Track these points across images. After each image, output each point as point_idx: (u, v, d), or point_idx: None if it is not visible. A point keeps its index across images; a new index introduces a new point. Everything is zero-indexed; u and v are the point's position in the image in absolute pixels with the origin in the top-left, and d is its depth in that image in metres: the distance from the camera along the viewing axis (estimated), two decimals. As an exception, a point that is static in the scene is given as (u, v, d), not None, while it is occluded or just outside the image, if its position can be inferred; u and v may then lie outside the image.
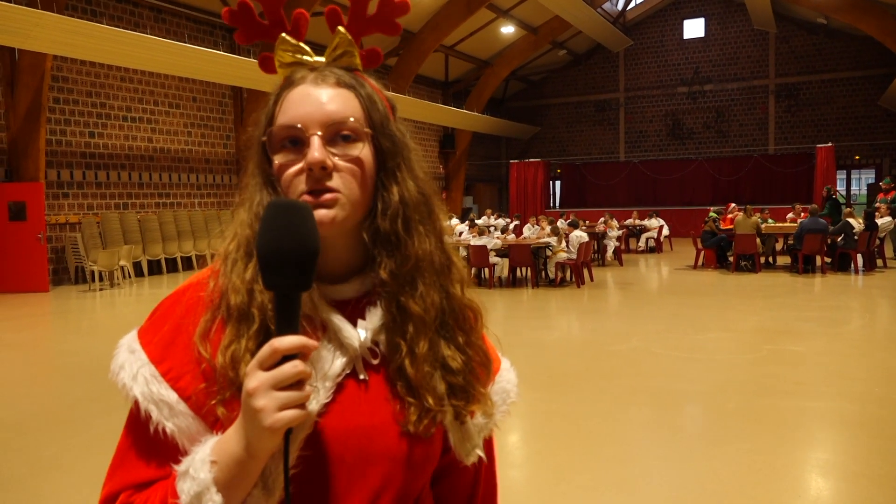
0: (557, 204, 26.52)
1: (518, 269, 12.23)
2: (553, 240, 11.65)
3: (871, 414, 4.66)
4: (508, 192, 25.23)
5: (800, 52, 23.71)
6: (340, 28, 0.90)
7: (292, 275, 0.73)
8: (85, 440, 4.40)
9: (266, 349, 0.71)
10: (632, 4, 24.93)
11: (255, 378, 0.71)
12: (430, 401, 0.85)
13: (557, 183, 27.21)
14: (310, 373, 0.72)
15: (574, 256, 11.51)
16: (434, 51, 19.65)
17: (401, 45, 18.84)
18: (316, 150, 0.81)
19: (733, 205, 15.99)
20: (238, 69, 13.64)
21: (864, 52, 22.46)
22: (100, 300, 10.86)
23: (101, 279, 12.01)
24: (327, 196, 0.81)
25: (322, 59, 0.89)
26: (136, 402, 0.82)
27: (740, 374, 5.73)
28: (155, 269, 14.09)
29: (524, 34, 22.28)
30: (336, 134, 0.83)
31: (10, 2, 10.00)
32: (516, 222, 17.55)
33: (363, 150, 0.84)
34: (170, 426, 0.80)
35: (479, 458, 0.94)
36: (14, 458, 4.11)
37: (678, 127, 25.49)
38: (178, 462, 0.79)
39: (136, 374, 0.83)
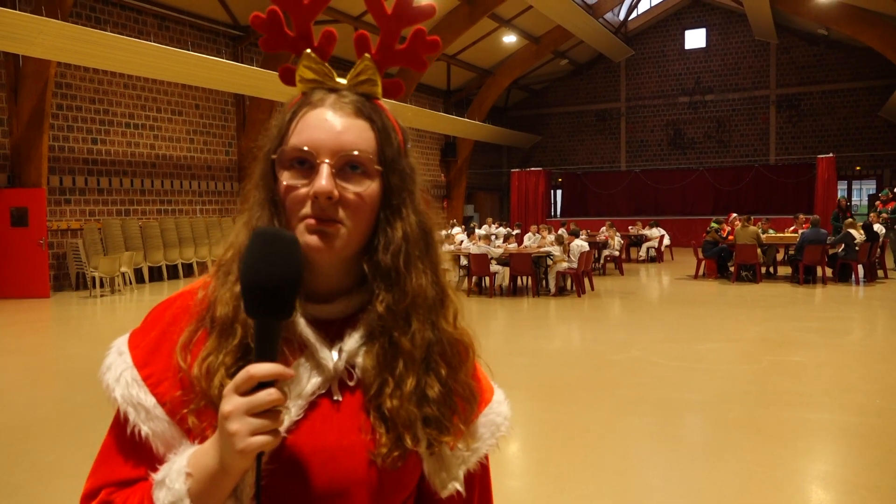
0: (558, 213, 26.55)
1: (519, 278, 12.23)
2: (556, 249, 11.65)
3: (872, 425, 4.65)
4: (510, 201, 25.28)
5: (801, 62, 23.78)
6: (367, 55, 0.90)
7: (272, 304, 0.74)
8: (86, 446, 4.39)
9: (242, 375, 0.73)
10: (633, 14, 25.03)
11: (230, 402, 0.73)
12: (409, 440, 0.84)
13: (559, 192, 27.25)
14: (283, 400, 0.74)
15: (575, 265, 11.52)
16: (436, 59, 19.72)
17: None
18: (324, 178, 0.81)
19: (734, 215, 16.00)
20: (240, 77, 13.70)
21: (865, 64, 22.52)
22: (100, 306, 10.86)
23: (101, 285, 12.02)
24: (330, 225, 0.82)
25: (344, 80, 0.89)
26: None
27: (741, 385, 5.72)
28: (156, 275, 14.11)
29: (526, 43, 22.37)
30: (346, 165, 0.83)
31: (15, 9, 10.06)
32: (517, 231, 17.57)
33: (370, 187, 0.84)
34: (145, 429, 0.82)
35: (462, 492, 0.91)
36: (15, 464, 4.11)
37: (679, 137, 25.55)
38: (156, 464, 0.82)
39: (119, 376, 0.85)
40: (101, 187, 13.38)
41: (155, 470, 0.81)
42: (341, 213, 0.82)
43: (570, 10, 18.60)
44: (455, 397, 0.90)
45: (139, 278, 13.53)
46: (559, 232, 13.71)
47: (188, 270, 14.71)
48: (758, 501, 3.52)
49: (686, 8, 25.21)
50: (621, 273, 14.83)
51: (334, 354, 0.86)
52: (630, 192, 25.57)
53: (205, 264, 15.03)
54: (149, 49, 11.66)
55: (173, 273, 14.46)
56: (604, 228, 16.25)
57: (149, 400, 0.83)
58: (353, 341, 0.87)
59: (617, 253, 15.29)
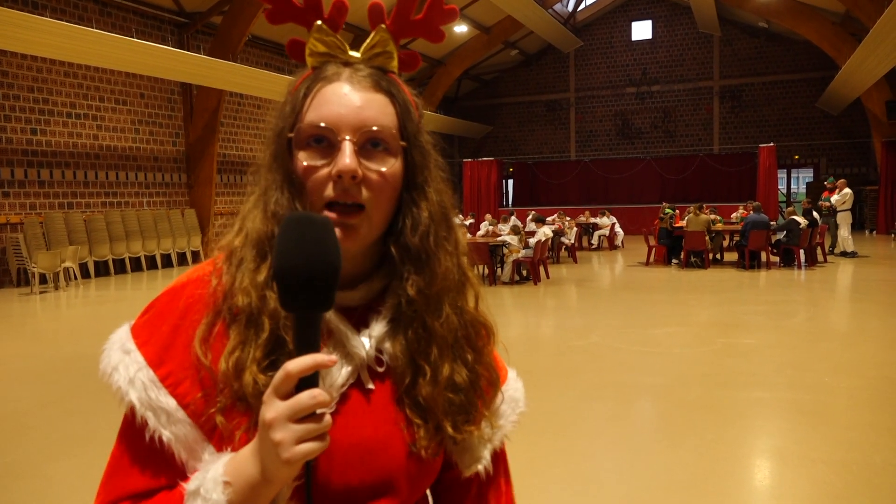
0: (510, 202, 26.77)
1: (475, 268, 12.27)
2: (514, 238, 11.73)
3: (823, 403, 4.86)
4: (462, 191, 25.35)
5: (742, 54, 24.49)
6: (382, 26, 0.86)
7: (316, 296, 0.69)
8: (46, 448, 4.24)
9: (280, 374, 0.67)
10: (582, 6, 25.32)
11: (272, 408, 0.67)
12: (449, 428, 0.83)
13: (510, 182, 27.46)
14: (329, 401, 0.68)
15: (531, 254, 11.64)
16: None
17: (354, 42, 18.71)
18: (347, 156, 0.77)
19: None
20: (187, 65, 13.34)
21: (803, 56, 23.35)
22: (40, 303, 10.47)
23: (44, 281, 11.59)
24: (351, 216, 0.78)
25: (357, 54, 0.85)
26: (132, 408, 0.78)
27: (698, 367, 5.89)
28: (102, 270, 13.67)
29: (477, 34, 22.42)
30: (368, 142, 0.79)
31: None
32: (470, 221, 17.63)
33: (394, 165, 0.81)
34: (167, 434, 0.77)
35: (488, 470, 0.92)
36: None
37: (627, 126, 26.03)
38: (176, 472, 0.77)
39: (132, 377, 0.78)
40: (42, 179, 12.87)
41: (173, 479, 0.77)
42: (365, 194, 0.78)
43: (521, 0, 18.70)
44: (481, 381, 0.88)
45: (85, 273, 13.09)
46: (512, 221, 13.83)
47: (136, 264, 14.29)
48: (721, 478, 3.65)
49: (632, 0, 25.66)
50: (575, 261, 15.06)
51: (365, 341, 0.82)
52: (580, 181, 25.97)
53: (154, 258, 14.68)
54: (90, 35, 11.23)
55: (120, 267, 14.03)
56: (554, 217, 16.46)
57: (170, 403, 0.77)
58: (380, 327, 0.84)
59: (571, 241, 15.53)
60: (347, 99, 0.80)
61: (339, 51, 0.84)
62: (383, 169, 0.79)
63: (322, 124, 0.78)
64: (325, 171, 0.78)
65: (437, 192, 0.87)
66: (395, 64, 0.86)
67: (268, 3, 0.86)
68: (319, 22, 0.84)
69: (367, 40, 0.86)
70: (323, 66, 0.83)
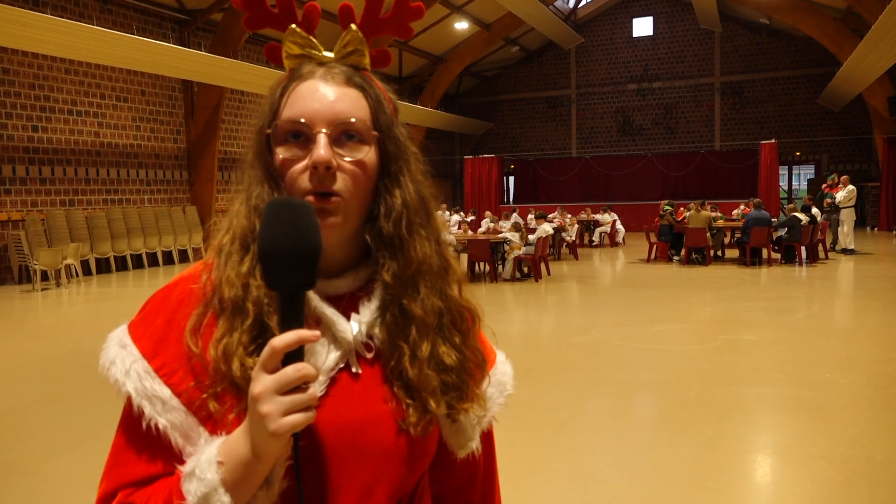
0: (511, 199, 26.76)
1: (476, 265, 12.30)
2: (515, 235, 11.73)
3: (824, 399, 4.86)
4: (463, 188, 25.33)
5: (744, 51, 24.44)
6: (353, 26, 0.90)
7: (298, 274, 0.73)
8: (46, 443, 4.25)
9: (266, 350, 0.71)
10: (583, 2, 25.27)
11: (259, 382, 0.71)
12: (433, 404, 0.86)
13: (511, 178, 27.45)
14: (315, 375, 0.71)
15: (532, 251, 11.63)
16: (388, 46, 19.52)
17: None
18: (322, 148, 0.80)
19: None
20: (188, 62, 13.33)
21: (804, 52, 23.30)
22: (42, 300, 10.48)
23: (45, 278, 11.60)
24: (331, 201, 0.82)
25: (331, 54, 0.89)
26: (130, 399, 0.81)
27: (698, 364, 5.90)
28: (104, 267, 13.69)
29: (477, 30, 22.38)
30: (342, 134, 0.83)
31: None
32: (472, 217, 17.63)
33: (368, 154, 0.85)
34: (162, 422, 0.79)
35: (478, 451, 0.96)
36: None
37: (628, 123, 26.00)
38: (174, 458, 0.79)
39: (128, 369, 0.82)
40: (44, 177, 12.88)
41: (173, 465, 0.79)
42: (340, 183, 0.82)
43: (522, -4, 18.67)
44: (469, 363, 0.92)
45: (86, 270, 13.10)
46: (514, 218, 13.82)
47: (137, 261, 14.31)
48: (722, 474, 3.65)
49: (633, -4, 25.61)
50: (576, 258, 15.06)
51: (354, 326, 0.86)
52: (581, 178, 25.95)
53: (155, 255, 14.68)
54: (91, 33, 11.23)
55: (122, 265, 14.04)
56: (555, 214, 16.46)
57: (164, 391, 0.80)
58: (369, 312, 0.87)
59: (572, 238, 15.53)
60: (321, 94, 0.84)
61: (313, 51, 0.89)
62: (357, 158, 0.84)
63: (298, 119, 0.83)
64: (301, 164, 0.82)
65: (413, 182, 0.90)
66: (367, 61, 0.91)
67: (245, 10, 0.90)
68: (293, 26, 0.89)
69: (339, 40, 0.90)
70: (299, 66, 0.88)
